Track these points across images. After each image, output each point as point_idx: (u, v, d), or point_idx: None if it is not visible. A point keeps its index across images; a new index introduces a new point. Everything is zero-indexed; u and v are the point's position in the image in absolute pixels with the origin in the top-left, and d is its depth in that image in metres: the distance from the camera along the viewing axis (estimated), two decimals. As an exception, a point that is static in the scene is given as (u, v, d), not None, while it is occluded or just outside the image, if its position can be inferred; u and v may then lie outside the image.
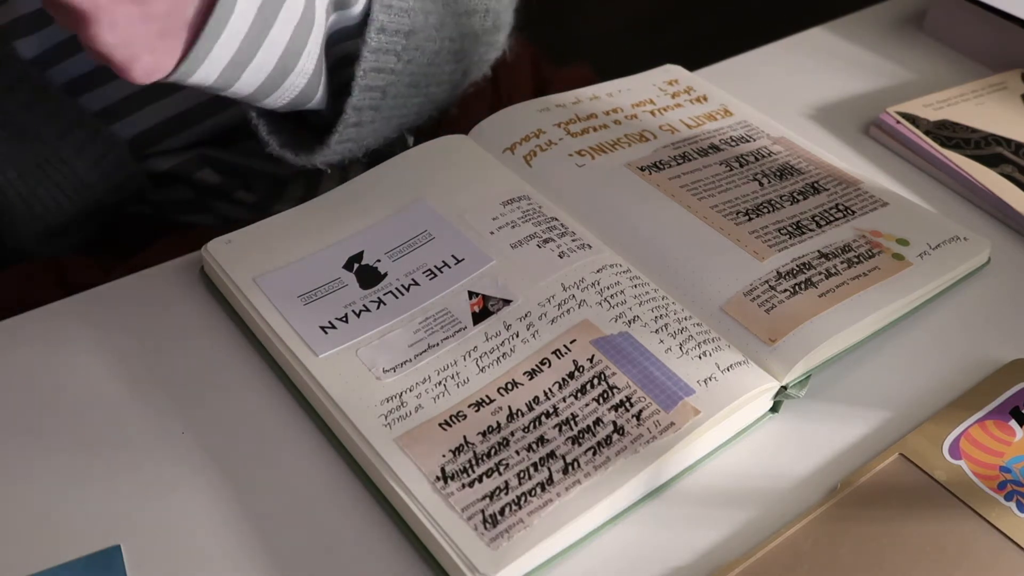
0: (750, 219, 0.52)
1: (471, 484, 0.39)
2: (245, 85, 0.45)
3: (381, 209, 0.52)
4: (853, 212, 0.53)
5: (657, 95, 0.62)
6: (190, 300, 0.49)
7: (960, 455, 0.43)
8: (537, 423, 0.41)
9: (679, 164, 0.55)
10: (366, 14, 0.49)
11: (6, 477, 0.41)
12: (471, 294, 0.47)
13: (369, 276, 0.48)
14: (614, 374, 0.43)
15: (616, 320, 0.45)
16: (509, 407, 0.42)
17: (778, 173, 0.55)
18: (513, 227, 0.50)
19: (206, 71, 0.43)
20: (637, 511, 0.41)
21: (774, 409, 0.45)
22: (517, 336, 0.45)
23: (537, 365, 0.44)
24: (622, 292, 0.47)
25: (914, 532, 0.40)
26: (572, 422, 0.41)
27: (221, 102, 0.59)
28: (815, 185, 0.55)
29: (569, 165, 0.55)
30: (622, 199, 0.53)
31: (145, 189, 0.60)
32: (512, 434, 0.41)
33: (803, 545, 0.39)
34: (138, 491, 0.41)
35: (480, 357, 0.44)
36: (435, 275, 0.48)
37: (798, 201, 0.53)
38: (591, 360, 0.44)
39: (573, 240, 0.50)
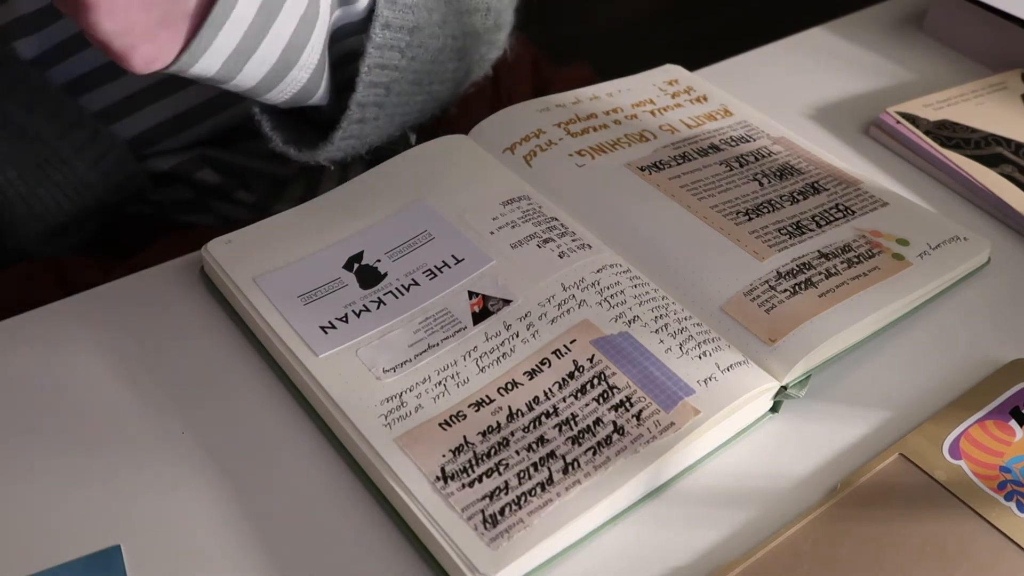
0: (750, 219, 0.52)
1: (471, 484, 0.39)
2: (247, 78, 0.45)
3: (381, 209, 0.52)
4: (853, 212, 0.53)
5: (657, 95, 0.62)
6: (190, 300, 0.49)
7: (960, 455, 0.43)
8: (537, 423, 0.41)
9: (679, 164, 0.55)
10: (370, 10, 0.49)
11: (6, 477, 0.41)
12: (471, 294, 0.47)
13: (369, 276, 0.48)
14: (614, 374, 0.43)
15: (616, 320, 0.45)
16: (509, 407, 0.42)
17: (778, 173, 0.55)
18: (513, 227, 0.50)
19: (208, 62, 0.42)
20: (637, 511, 0.41)
21: (774, 409, 0.45)
22: (517, 336, 0.45)
23: (537, 365, 0.44)
24: (622, 292, 0.47)
25: (914, 532, 0.40)
26: (572, 422, 0.41)
27: (221, 102, 0.59)
28: (815, 185, 0.55)
29: (569, 165, 0.55)
30: (622, 199, 0.53)
31: (145, 189, 0.60)
32: (512, 434, 0.41)
33: (803, 545, 0.39)
34: (138, 491, 0.41)
35: (480, 357, 0.44)
36: (435, 275, 0.48)
37: (798, 201, 0.53)
38: (591, 360, 0.44)
39: (573, 240, 0.50)
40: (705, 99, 0.62)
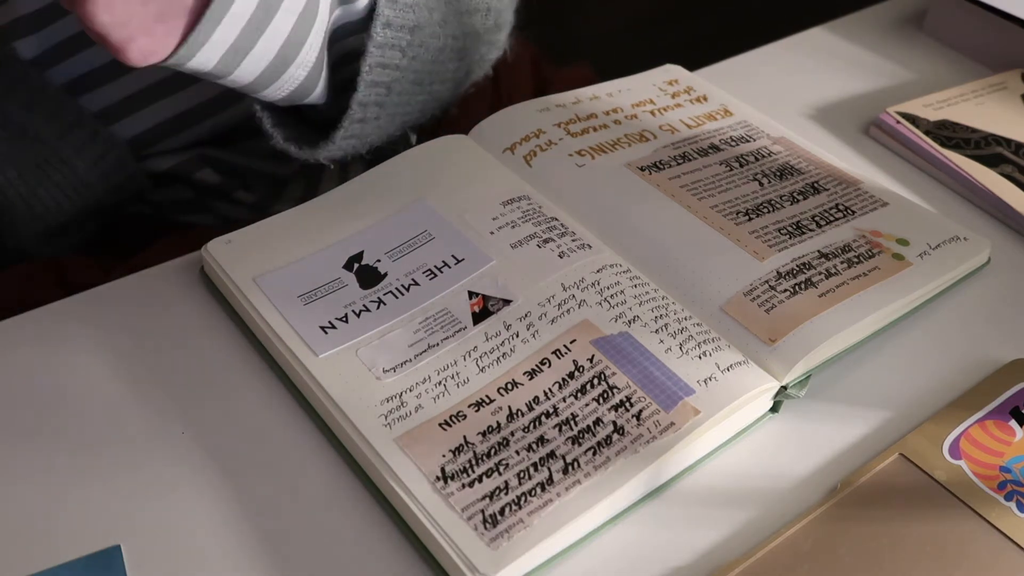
0: (750, 219, 0.52)
1: (471, 484, 0.39)
2: (244, 74, 0.45)
3: (381, 209, 0.52)
4: (853, 212, 0.53)
5: (657, 95, 0.62)
6: (190, 300, 0.49)
7: (960, 455, 0.43)
8: (537, 423, 0.41)
9: (679, 164, 0.55)
10: (371, 9, 0.49)
11: (6, 477, 0.41)
12: (471, 294, 0.47)
13: (369, 276, 0.48)
14: (614, 374, 0.43)
15: (616, 320, 0.45)
16: (509, 407, 0.42)
17: (778, 173, 0.55)
18: (513, 227, 0.50)
19: (205, 56, 0.42)
20: (637, 511, 0.41)
21: (774, 409, 0.45)
22: (517, 336, 0.45)
23: (537, 365, 0.44)
24: (622, 292, 0.47)
25: (914, 532, 0.40)
26: (572, 422, 0.41)
27: (221, 102, 0.59)
28: (815, 185, 0.55)
29: (569, 165, 0.55)
30: (622, 199, 0.53)
31: (145, 189, 0.60)
32: (512, 434, 0.41)
33: (803, 545, 0.39)
34: (138, 491, 0.41)
35: (480, 357, 0.44)
36: (435, 275, 0.48)
37: (798, 201, 0.53)
38: (591, 360, 0.44)
39: (573, 240, 0.50)
40: (705, 99, 0.62)
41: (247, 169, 0.63)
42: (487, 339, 0.45)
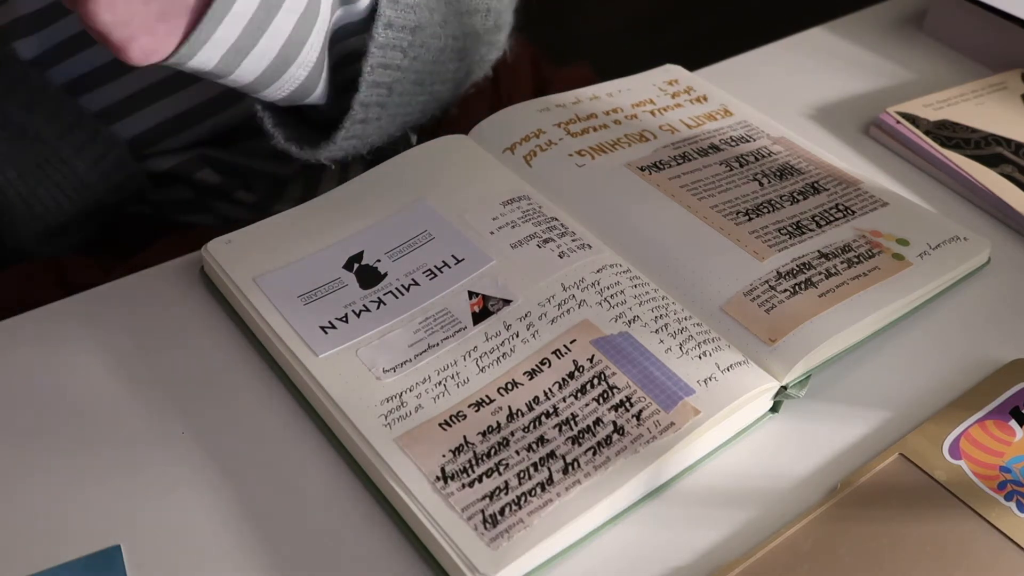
0: (750, 219, 0.52)
1: (471, 484, 0.39)
2: (245, 73, 0.45)
3: (381, 209, 0.52)
4: (853, 212, 0.53)
5: (657, 95, 0.62)
6: (190, 300, 0.49)
7: (960, 455, 0.43)
8: (537, 423, 0.41)
9: (679, 164, 0.55)
10: (372, 10, 0.49)
11: (6, 477, 0.41)
12: (471, 294, 0.47)
13: (369, 276, 0.48)
14: (614, 374, 0.43)
15: (616, 320, 0.45)
16: (509, 407, 0.42)
17: (778, 173, 0.55)
18: (513, 227, 0.50)
19: (206, 55, 0.42)
20: (637, 511, 0.41)
21: (774, 409, 0.45)
22: (517, 336, 0.45)
23: (537, 365, 0.44)
24: (622, 292, 0.47)
25: (914, 532, 0.40)
26: (572, 422, 0.41)
27: (222, 102, 0.59)
28: (815, 185, 0.55)
29: (569, 165, 0.55)
30: (622, 199, 0.53)
31: (145, 189, 0.60)
32: (512, 434, 0.41)
33: (803, 545, 0.39)
34: (138, 491, 0.41)
35: (480, 357, 0.44)
36: (435, 275, 0.48)
37: (798, 201, 0.53)
38: (591, 360, 0.44)
39: (573, 240, 0.50)
40: (705, 99, 0.62)
41: (247, 169, 0.63)
42: (487, 339, 0.45)
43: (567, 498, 0.38)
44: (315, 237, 0.50)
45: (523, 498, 0.38)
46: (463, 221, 0.51)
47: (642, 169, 0.55)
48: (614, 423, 0.41)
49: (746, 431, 0.44)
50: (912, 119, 0.61)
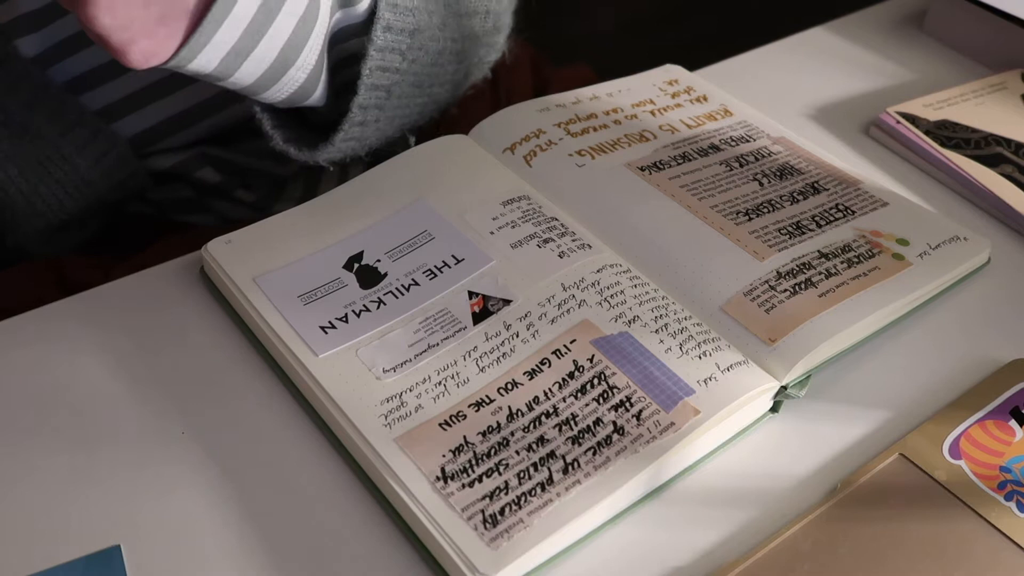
0: (750, 219, 0.52)
1: (471, 484, 0.39)
2: (244, 76, 0.45)
3: (381, 209, 0.52)
4: (853, 212, 0.53)
5: (657, 95, 0.62)
6: (190, 300, 0.49)
7: (960, 455, 0.43)
8: (537, 423, 0.41)
9: (679, 164, 0.55)
10: (371, 12, 0.49)
11: (6, 477, 0.41)
12: (471, 294, 0.47)
13: (369, 276, 0.48)
14: (614, 374, 0.43)
15: (616, 320, 0.45)
16: (509, 407, 0.42)
17: (778, 173, 0.55)
18: (513, 227, 0.50)
19: (205, 58, 0.42)
20: (637, 511, 0.41)
21: (774, 409, 0.45)
22: (517, 336, 0.45)
23: (537, 365, 0.44)
24: (622, 292, 0.47)
25: (914, 532, 0.40)
26: (572, 422, 0.41)
27: (222, 101, 0.59)
28: (815, 185, 0.55)
29: (569, 165, 0.55)
30: (622, 199, 0.53)
31: (146, 188, 0.60)
32: (512, 434, 0.41)
33: (803, 545, 0.39)
34: (138, 491, 0.41)
35: (480, 357, 0.44)
36: (435, 275, 0.48)
37: (798, 201, 0.53)
38: (591, 360, 0.44)
39: (573, 240, 0.50)
40: (705, 99, 0.62)
41: (248, 168, 0.63)
42: (487, 339, 0.45)
43: (567, 498, 0.39)
44: (315, 237, 0.50)
45: (523, 498, 0.38)
46: (463, 221, 0.51)
47: (642, 169, 0.55)
48: (614, 423, 0.41)
49: (746, 431, 0.44)
50: (912, 119, 0.61)
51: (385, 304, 0.46)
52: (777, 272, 0.48)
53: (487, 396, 0.43)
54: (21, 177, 0.54)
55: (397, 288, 0.47)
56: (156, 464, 0.42)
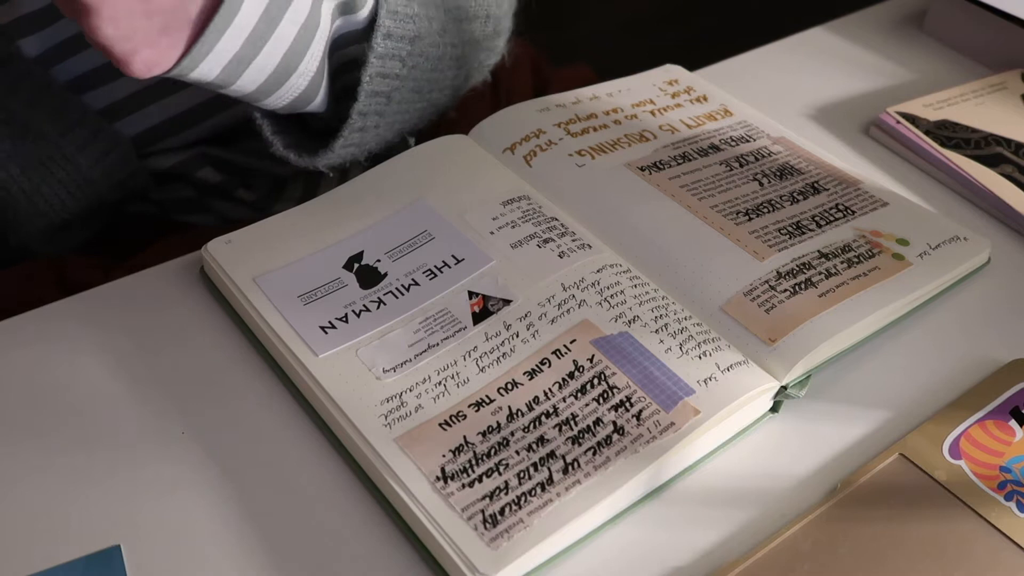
0: (750, 219, 0.52)
1: (471, 484, 0.39)
2: (246, 83, 0.45)
3: (381, 209, 0.52)
4: (853, 212, 0.53)
5: (657, 95, 0.62)
6: (190, 300, 0.49)
7: (960, 455, 0.43)
8: (537, 423, 0.41)
9: (679, 164, 0.55)
10: (372, 19, 0.49)
11: (6, 477, 0.41)
12: (471, 294, 0.47)
13: (369, 276, 0.48)
14: (614, 374, 0.43)
15: (616, 320, 0.45)
16: (509, 407, 0.42)
17: (778, 173, 0.55)
18: (513, 227, 0.50)
19: (207, 67, 0.43)
20: (637, 511, 0.41)
21: (774, 409, 0.45)
22: (517, 336, 0.45)
23: (537, 365, 0.44)
24: (622, 292, 0.47)
25: (914, 532, 0.40)
26: (572, 422, 0.41)
27: (223, 101, 0.59)
28: (815, 185, 0.55)
29: (569, 165, 0.55)
30: (622, 199, 0.53)
31: (147, 187, 0.60)
32: (512, 434, 0.41)
33: (803, 545, 0.39)
34: (138, 491, 0.41)
35: (480, 357, 0.44)
36: (435, 275, 0.48)
37: (798, 201, 0.53)
38: (591, 360, 0.44)
39: (573, 240, 0.50)
40: (705, 99, 0.62)
41: (248, 168, 0.63)
42: (487, 339, 0.45)
43: (567, 498, 0.39)
44: (315, 237, 0.50)
45: (523, 498, 0.38)
46: (463, 221, 0.51)
47: (642, 169, 0.55)
48: (614, 423, 0.41)
49: (746, 431, 0.44)
50: (912, 119, 0.61)
51: (385, 304, 0.46)
52: (777, 272, 0.48)
53: (487, 396, 0.43)
54: (23, 176, 0.54)
55: (397, 288, 0.47)
56: (156, 464, 0.42)
